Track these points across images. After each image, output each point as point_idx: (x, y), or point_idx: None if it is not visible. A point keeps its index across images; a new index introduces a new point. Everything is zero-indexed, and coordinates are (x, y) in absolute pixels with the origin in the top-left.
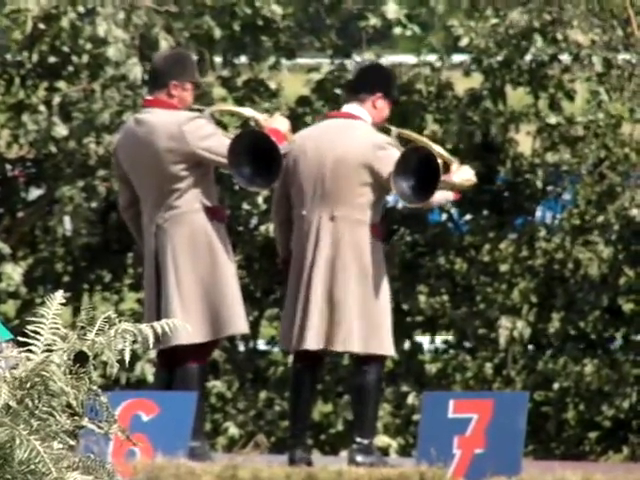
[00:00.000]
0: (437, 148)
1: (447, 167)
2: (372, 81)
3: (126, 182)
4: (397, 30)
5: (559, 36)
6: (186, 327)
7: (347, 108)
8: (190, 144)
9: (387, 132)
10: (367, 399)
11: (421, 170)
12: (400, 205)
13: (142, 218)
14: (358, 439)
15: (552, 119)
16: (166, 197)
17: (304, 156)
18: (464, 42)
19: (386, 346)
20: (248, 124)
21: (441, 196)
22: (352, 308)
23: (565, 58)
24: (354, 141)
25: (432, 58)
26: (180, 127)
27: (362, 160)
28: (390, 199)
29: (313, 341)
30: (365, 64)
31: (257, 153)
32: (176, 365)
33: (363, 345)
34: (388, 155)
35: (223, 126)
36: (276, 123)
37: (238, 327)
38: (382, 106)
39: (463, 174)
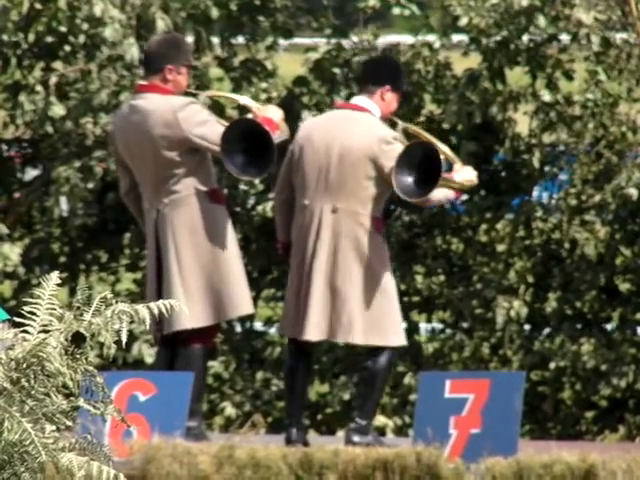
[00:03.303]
0: (442, 146)
1: (450, 167)
2: (380, 73)
3: (125, 167)
4: (395, 10)
5: (561, 15)
6: (184, 310)
7: (356, 100)
8: (184, 131)
9: (394, 125)
10: (374, 382)
11: (423, 165)
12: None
13: (142, 203)
14: (357, 419)
15: (549, 97)
16: (164, 182)
17: (310, 145)
18: (463, 22)
19: (390, 337)
20: (245, 106)
21: (441, 194)
22: (353, 300)
23: (564, 38)
24: (360, 134)
25: (431, 38)
26: (175, 113)
27: (367, 153)
28: None
29: (313, 333)
30: (374, 56)
31: (250, 142)
32: (178, 345)
33: (364, 337)
34: (393, 149)
35: (220, 107)
36: (269, 112)
37: (242, 309)
38: (390, 99)
39: (465, 174)
